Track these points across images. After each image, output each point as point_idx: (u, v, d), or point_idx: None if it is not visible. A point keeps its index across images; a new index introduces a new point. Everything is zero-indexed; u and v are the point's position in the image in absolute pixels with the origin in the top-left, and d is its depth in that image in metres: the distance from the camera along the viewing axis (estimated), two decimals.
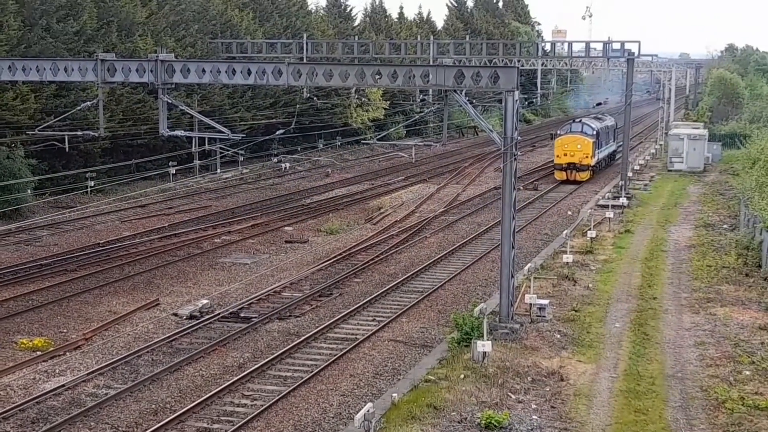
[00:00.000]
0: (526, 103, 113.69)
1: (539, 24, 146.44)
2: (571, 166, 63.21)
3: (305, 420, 21.91)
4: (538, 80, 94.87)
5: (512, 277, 27.73)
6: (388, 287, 34.10)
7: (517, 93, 26.74)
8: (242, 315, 30.56)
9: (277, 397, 23.05)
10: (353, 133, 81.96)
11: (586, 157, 62.71)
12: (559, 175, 64.09)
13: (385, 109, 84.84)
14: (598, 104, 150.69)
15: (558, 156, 64.40)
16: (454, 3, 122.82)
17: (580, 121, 66.35)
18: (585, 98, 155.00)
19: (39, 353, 26.31)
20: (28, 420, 21.72)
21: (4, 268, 35.90)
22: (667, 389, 23.08)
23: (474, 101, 77.76)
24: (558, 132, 67.07)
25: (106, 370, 25.03)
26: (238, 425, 21.27)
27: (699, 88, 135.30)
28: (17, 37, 47.81)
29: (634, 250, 40.24)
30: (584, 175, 63.09)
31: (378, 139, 65.89)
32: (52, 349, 26.78)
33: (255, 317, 30.19)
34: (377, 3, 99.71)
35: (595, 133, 64.61)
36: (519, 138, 27.39)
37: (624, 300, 31.70)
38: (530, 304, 28.71)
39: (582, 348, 26.17)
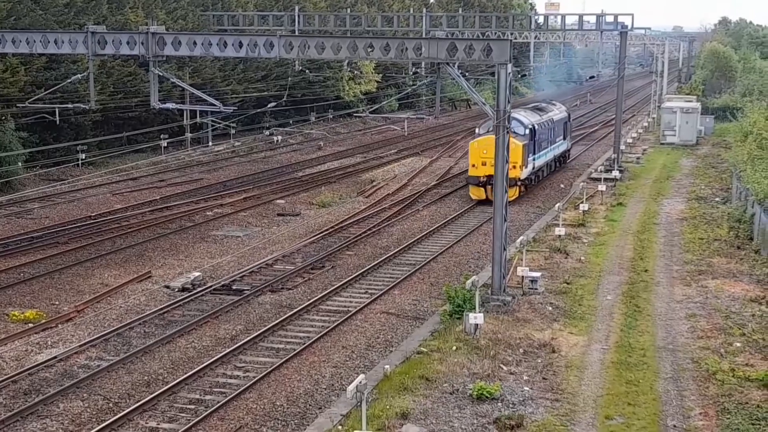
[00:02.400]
0: (519, 76, 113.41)
1: None
2: (491, 180, 38.12)
3: (298, 391, 21.97)
4: (531, 53, 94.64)
5: (504, 249, 27.76)
6: (380, 260, 34.12)
7: (509, 66, 26.66)
8: (234, 288, 30.55)
9: (270, 369, 23.09)
10: (345, 106, 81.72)
11: (513, 167, 40.87)
12: (475, 193, 45.71)
13: (377, 82, 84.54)
14: (591, 77, 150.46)
15: (473, 165, 45.37)
16: None
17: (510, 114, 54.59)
18: (577, 71, 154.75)
19: (31, 325, 26.31)
20: (21, 391, 21.74)
21: None
22: (658, 361, 23.19)
23: (467, 74, 77.36)
24: (476, 130, 47.74)
25: (98, 342, 25.04)
26: (230, 396, 21.32)
27: (692, 62, 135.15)
28: (6, 9, 47.41)
29: (626, 223, 40.31)
30: (510, 193, 36.56)
31: (370, 112, 65.62)
32: (44, 321, 26.77)
33: (247, 290, 30.19)
34: None
35: (527, 132, 46.71)
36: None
37: (616, 272, 31.78)
38: (522, 276, 28.77)
39: (574, 320, 26.26)
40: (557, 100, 67.32)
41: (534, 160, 47.98)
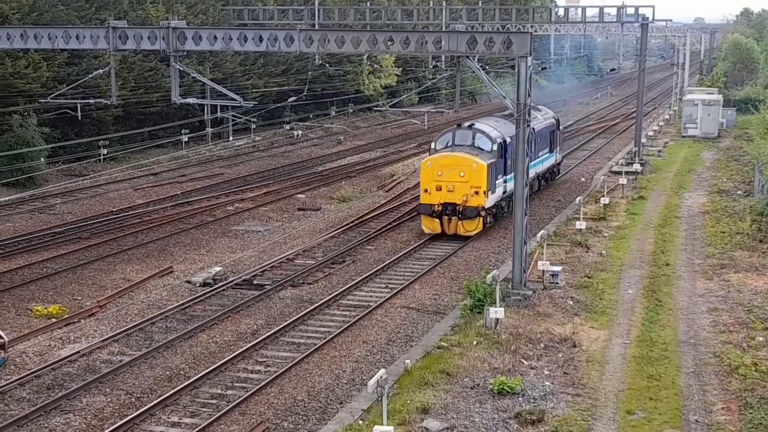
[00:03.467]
0: (539, 68, 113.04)
1: None
2: (449, 209, 36.19)
3: (318, 386, 22.02)
4: (551, 46, 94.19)
5: (525, 243, 27.69)
6: (400, 254, 34.13)
7: (530, 59, 26.57)
8: (255, 282, 30.65)
9: (291, 364, 23.17)
10: (365, 100, 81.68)
11: (476, 192, 35.87)
12: (428, 225, 36.90)
13: (397, 75, 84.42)
14: (612, 70, 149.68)
15: (426, 191, 36.62)
16: None
17: (471, 126, 38.77)
18: (598, 64, 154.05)
19: (54, 320, 26.50)
20: (44, 386, 21.91)
21: (19, 236, 36.08)
22: (680, 355, 23.09)
23: (487, 67, 77.20)
24: (431, 145, 38.94)
25: (120, 337, 25.19)
26: (252, 391, 21.40)
27: (714, 54, 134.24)
28: (29, 4, 47.68)
29: (647, 217, 40.11)
30: (471, 226, 36.16)
31: (390, 106, 65.57)
32: (66, 316, 26.96)
33: (268, 284, 30.27)
34: None
35: (495, 148, 37.21)
36: (532, 104, 27.25)
37: (637, 266, 31.64)
38: (543, 270, 28.69)
39: (595, 314, 26.18)
40: (549, 102, 61.99)
41: (506, 182, 37.77)
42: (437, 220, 36.44)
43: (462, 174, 35.85)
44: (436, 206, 36.20)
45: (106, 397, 21.33)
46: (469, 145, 37.23)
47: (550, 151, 46.95)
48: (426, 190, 36.51)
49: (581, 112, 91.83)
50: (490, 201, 36.69)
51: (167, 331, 25.84)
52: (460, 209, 36.02)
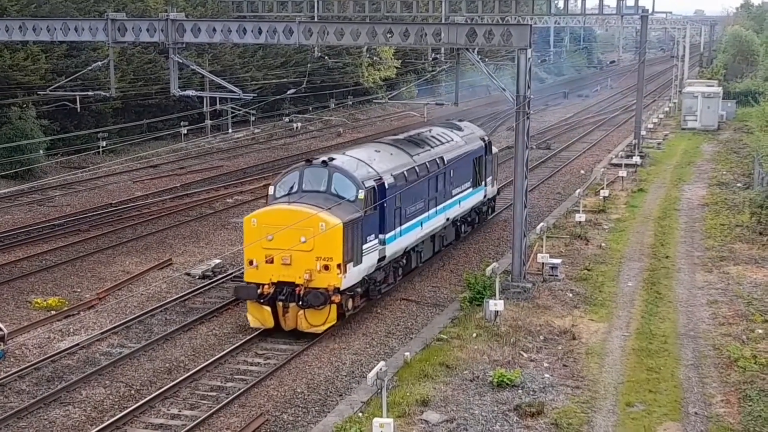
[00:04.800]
0: (539, 61, 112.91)
1: None
2: (284, 292, 24.53)
3: (318, 378, 22.02)
4: (551, 38, 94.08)
5: (524, 236, 27.68)
6: None
7: (529, 51, 26.53)
8: None
9: (291, 356, 23.17)
10: (365, 92, 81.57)
11: (325, 267, 24.26)
12: (255, 314, 25.03)
13: (396, 68, 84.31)
14: (612, 62, 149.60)
15: (251, 263, 24.84)
16: None
17: (327, 162, 26.13)
18: (598, 56, 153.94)
19: (53, 312, 26.48)
20: (44, 378, 21.90)
21: (18, 228, 36.04)
22: (679, 348, 23.10)
23: (486, 60, 77.04)
24: (270, 190, 26.56)
25: (120, 329, 25.18)
26: (251, 383, 21.41)
27: (713, 46, 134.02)
28: None
29: (647, 209, 40.11)
30: (318, 318, 24.36)
31: (390, 99, 65.43)
32: (66, 308, 26.95)
33: None
34: None
35: (362, 196, 25.50)
36: (532, 96, 27.23)
37: (636, 259, 31.64)
38: (542, 263, 28.70)
39: (594, 307, 26.18)
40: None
41: (384, 243, 26.51)
42: (268, 308, 24.41)
43: (303, 238, 23.80)
44: (266, 287, 24.28)
45: (105, 390, 21.33)
46: (322, 191, 25.37)
47: (475, 185, 34.83)
48: (251, 262, 24.58)
49: (581, 104, 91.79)
50: (350, 278, 24.62)
51: (166, 324, 25.83)
52: (301, 293, 24.04)
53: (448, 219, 32.09)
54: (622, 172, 45.74)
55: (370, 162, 27.09)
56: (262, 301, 24.50)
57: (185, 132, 59.19)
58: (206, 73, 38.44)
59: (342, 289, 24.33)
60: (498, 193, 39.59)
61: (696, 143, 62.10)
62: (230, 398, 20.55)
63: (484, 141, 36.45)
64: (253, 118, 65.61)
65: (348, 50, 74.13)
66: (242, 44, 43.11)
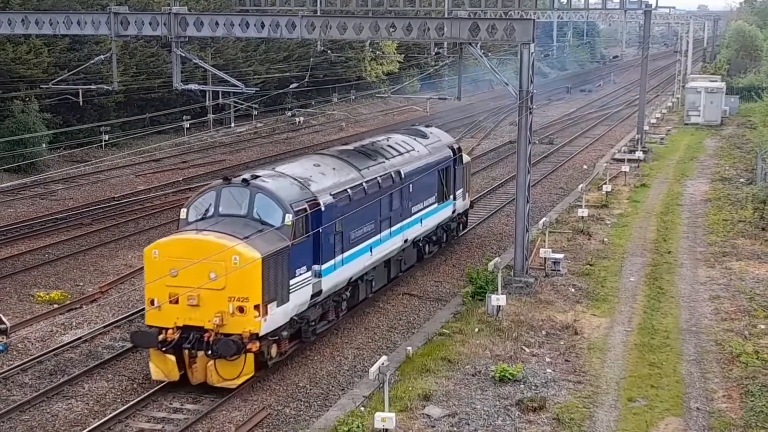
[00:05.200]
0: (542, 56, 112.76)
1: None
2: (192, 338, 20.42)
3: (320, 372, 22.03)
4: (554, 33, 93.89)
5: (527, 231, 27.67)
6: None
7: (532, 46, 26.49)
8: None
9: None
10: (367, 86, 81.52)
11: (240, 309, 20.13)
12: (158, 364, 20.80)
13: (399, 62, 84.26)
14: (615, 57, 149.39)
15: (153, 302, 20.77)
16: None
17: (250, 181, 22.04)
18: (601, 51, 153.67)
19: (56, 306, 26.51)
20: (46, 372, 21.93)
21: (20, 222, 36.07)
22: (681, 343, 23.10)
23: (489, 54, 76.78)
24: (182, 213, 22.32)
25: (122, 323, 25.19)
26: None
27: (717, 41, 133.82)
28: None
29: (649, 204, 40.07)
30: (231, 371, 20.36)
31: (392, 93, 65.38)
32: (68, 302, 26.97)
33: None
34: None
35: (290, 221, 21.43)
36: (534, 91, 27.20)
37: (639, 254, 31.63)
38: (545, 258, 28.69)
39: (596, 302, 26.18)
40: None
41: (320, 276, 22.58)
42: (172, 358, 20.49)
43: (213, 275, 19.96)
44: (170, 332, 20.30)
45: (108, 383, 21.35)
46: (242, 215, 21.49)
47: (441, 200, 31.07)
48: (152, 302, 20.64)
49: (584, 99, 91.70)
50: (273, 321, 20.62)
51: None
52: (211, 340, 20.08)
53: (406, 240, 28.15)
54: (625, 167, 45.69)
55: (305, 179, 23.07)
56: (164, 348, 20.35)
57: (188, 126, 59.21)
58: (209, 67, 38.38)
59: (262, 334, 20.27)
60: (471, 206, 35.41)
61: (699, 138, 62.02)
62: (233, 392, 20.54)
63: (452, 149, 32.37)
64: (256, 113, 65.59)
65: (351, 44, 74.01)
66: (245, 38, 43.19)
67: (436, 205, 30.59)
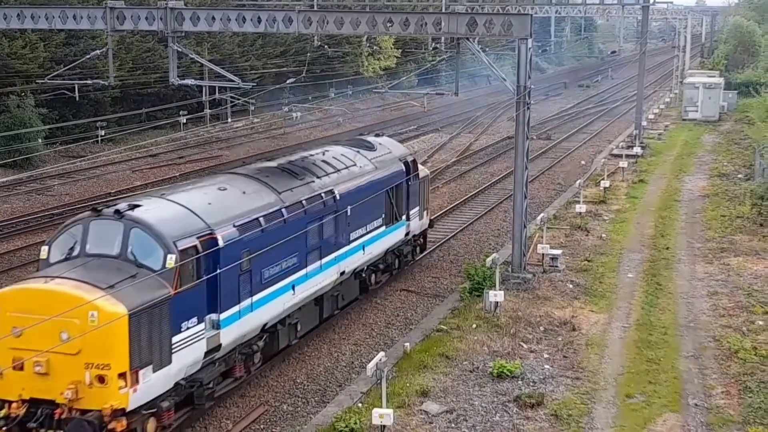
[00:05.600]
0: (540, 51, 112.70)
1: None
2: (41, 414, 15.87)
3: (318, 369, 21.98)
4: (552, 28, 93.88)
5: (525, 227, 27.59)
6: None
7: (530, 41, 26.40)
8: None
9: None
10: (365, 82, 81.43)
11: (99, 378, 15.65)
12: None
13: (396, 57, 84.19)
14: (613, 52, 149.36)
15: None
16: None
17: (125, 213, 17.83)
18: (599, 46, 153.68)
19: None
20: None
21: (16, 217, 35.98)
22: (679, 339, 23.04)
23: (487, 49, 76.63)
24: (42, 251, 18.11)
25: None
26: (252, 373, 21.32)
27: (715, 36, 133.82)
28: None
29: (647, 200, 40.03)
30: None
31: (390, 88, 65.29)
32: None
33: None
34: None
35: (174, 261, 17.11)
36: (532, 86, 27.11)
37: (637, 250, 31.57)
38: (543, 254, 28.62)
39: (594, 298, 26.12)
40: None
41: (219, 327, 18.54)
42: None
43: (65, 335, 15.79)
44: (14, 406, 16.20)
45: None
46: (114, 255, 17.44)
47: (391, 222, 27.19)
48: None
49: (581, 94, 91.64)
50: (149, 390, 16.59)
51: None
52: (63, 417, 15.93)
53: (343, 272, 24.22)
54: (623, 163, 45.63)
55: (201, 208, 18.78)
56: (7, 427, 16.09)
57: (184, 121, 59.12)
58: (205, 62, 38.29)
59: (130, 409, 16.01)
60: (431, 225, 31.78)
61: (697, 134, 61.98)
62: (230, 388, 20.47)
63: (405, 163, 28.50)
64: (253, 108, 65.50)
65: (348, 39, 74.01)
66: (241, 33, 42.95)
67: (383, 228, 26.60)
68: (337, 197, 23.60)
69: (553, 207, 38.31)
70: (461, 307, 25.20)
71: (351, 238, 24.50)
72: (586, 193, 38.55)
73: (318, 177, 23.59)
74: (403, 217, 28.12)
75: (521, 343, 22.40)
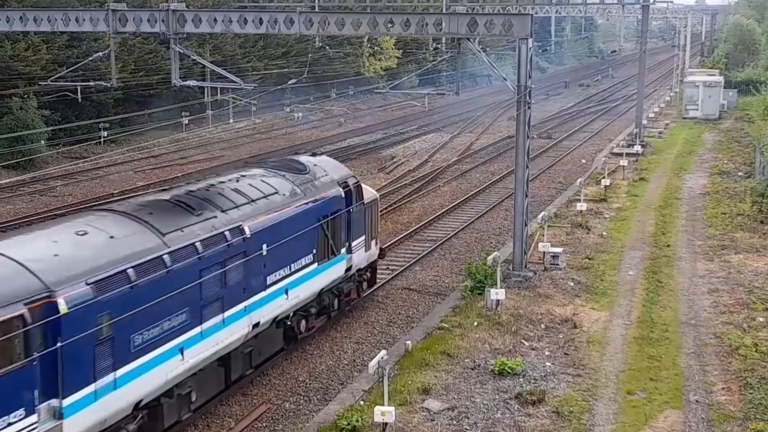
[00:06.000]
0: (540, 50, 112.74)
1: None
2: None
3: (320, 367, 22.08)
4: (552, 28, 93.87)
5: (526, 225, 27.70)
6: (401, 236, 34.13)
7: (530, 41, 26.50)
8: None
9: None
10: (366, 82, 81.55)
11: None
12: None
13: (397, 58, 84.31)
14: (613, 52, 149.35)
15: None
16: None
17: None
18: (599, 45, 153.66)
19: None
20: None
21: (19, 218, 36.08)
22: (680, 336, 23.12)
23: (487, 49, 76.70)
24: None
25: None
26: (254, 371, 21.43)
27: (715, 35, 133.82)
28: None
29: (648, 198, 40.11)
30: None
31: (391, 88, 65.43)
32: None
33: None
34: None
35: None
36: (533, 86, 27.21)
37: (638, 248, 31.66)
38: (544, 252, 28.70)
39: (595, 295, 26.20)
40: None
41: (61, 415, 14.32)
42: None
43: None
44: None
45: None
46: None
47: (324, 257, 23.03)
48: None
49: (582, 94, 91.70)
50: None
51: None
52: None
53: (258, 324, 20.08)
54: (624, 162, 45.72)
55: (39, 262, 14.74)
56: None
57: (186, 122, 59.25)
58: (207, 63, 38.39)
59: None
60: (381, 256, 27.73)
61: (697, 132, 62.03)
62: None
63: (345, 188, 24.30)
64: (254, 108, 65.64)
65: (349, 40, 74.13)
66: (243, 34, 43.20)
67: (314, 265, 22.50)
68: (247, 234, 19.37)
69: (554, 205, 38.40)
70: (462, 305, 25.28)
71: (268, 282, 20.34)
72: (587, 191, 38.64)
73: (223, 210, 19.32)
74: (343, 250, 24.14)
75: (522, 341, 22.50)
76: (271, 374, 21.54)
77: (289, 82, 59.07)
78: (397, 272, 29.57)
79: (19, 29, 32.85)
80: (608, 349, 22.16)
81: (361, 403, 19.06)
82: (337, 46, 71.25)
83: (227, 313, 18.81)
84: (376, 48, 79.90)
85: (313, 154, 26.21)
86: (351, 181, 24.91)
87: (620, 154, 48.99)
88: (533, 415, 18.57)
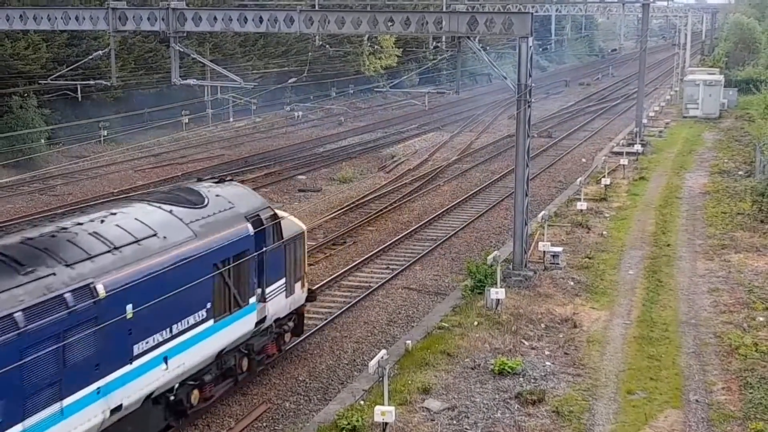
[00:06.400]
0: (540, 49, 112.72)
1: None
2: None
3: (320, 367, 22.07)
4: (552, 26, 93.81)
5: (526, 224, 27.69)
6: (401, 235, 34.12)
7: (531, 39, 26.48)
8: None
9: (292, 344, 23.19)
10: (366, 81, 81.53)
11: None
12: None
13: (397, 56, 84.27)
14: (613, 50, 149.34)
15: None
16: None
17: None
18: (599, 44, 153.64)
19: None
20: None
21: (19, 217, 36.06)
22: (680, 336, 23.11)
23: (487, 48, 76.57)
24: None
25: None
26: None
27: (715, 34, 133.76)
28: None
29: (648, 197, 40.09)
30: None
31: (391, 87, 65.40)
32: None
33: None
34: None
35: None
36: (533, 85, 27.20)
37: (638, 247, 31.65)
38: (544, 251, 28.69)
39: (595, 295, 26.20)
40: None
41: None
42: None
43: None
44: None
45: None
46: None
47: (225, 311, 18.75)
48: None
49: (582, 92, 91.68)
50: None
51: None
52: None
53: (119, 407, 15.68)
54: (624, 161, 45.69)
55: None
56: None
57: (186, 121, 59.23)
58: (207, 62, 38.43)
59: None
60: (311, 298, 23.36)
61: (697, 131, 62.00)
62: (231, 385, 20.56)
63: (255, 222, 19.82)
64: (255, 107, 65.61)
65: (349, 39, 74.05)
66: (243, 33, 43.08)
67: (209, 323, 18.17)
68: (101, 295, 14.91)
69: (554, 204, 38.39)
70: (462, 305, 25.27)
71: (136, 352, 15.95)
72: (587, 190, 38.63)
73: (67, 265, 14.82)
74: (252, 299, 19.81)
75: (522, 340, 22.49)
76: (271, 374, 21.53)
77: (289, 81, 58.96)
78: (397, 272, 29.57)
79: (18, 28, 32.88)
80: (608, 349, 22.15)
81: (361, 402, 19.05)
82: (337, 45, 71.17)
83: (68, 401, 14.36)
84: (376, 47, 79.82)
85: (220, 181, 21.50)
86: (265, 214, 20.28)
87: (620, 153, 48.96)
88: (533, 415, 18.57)
